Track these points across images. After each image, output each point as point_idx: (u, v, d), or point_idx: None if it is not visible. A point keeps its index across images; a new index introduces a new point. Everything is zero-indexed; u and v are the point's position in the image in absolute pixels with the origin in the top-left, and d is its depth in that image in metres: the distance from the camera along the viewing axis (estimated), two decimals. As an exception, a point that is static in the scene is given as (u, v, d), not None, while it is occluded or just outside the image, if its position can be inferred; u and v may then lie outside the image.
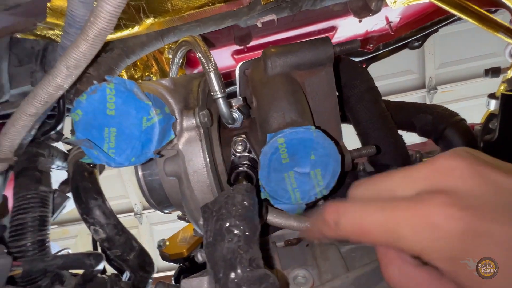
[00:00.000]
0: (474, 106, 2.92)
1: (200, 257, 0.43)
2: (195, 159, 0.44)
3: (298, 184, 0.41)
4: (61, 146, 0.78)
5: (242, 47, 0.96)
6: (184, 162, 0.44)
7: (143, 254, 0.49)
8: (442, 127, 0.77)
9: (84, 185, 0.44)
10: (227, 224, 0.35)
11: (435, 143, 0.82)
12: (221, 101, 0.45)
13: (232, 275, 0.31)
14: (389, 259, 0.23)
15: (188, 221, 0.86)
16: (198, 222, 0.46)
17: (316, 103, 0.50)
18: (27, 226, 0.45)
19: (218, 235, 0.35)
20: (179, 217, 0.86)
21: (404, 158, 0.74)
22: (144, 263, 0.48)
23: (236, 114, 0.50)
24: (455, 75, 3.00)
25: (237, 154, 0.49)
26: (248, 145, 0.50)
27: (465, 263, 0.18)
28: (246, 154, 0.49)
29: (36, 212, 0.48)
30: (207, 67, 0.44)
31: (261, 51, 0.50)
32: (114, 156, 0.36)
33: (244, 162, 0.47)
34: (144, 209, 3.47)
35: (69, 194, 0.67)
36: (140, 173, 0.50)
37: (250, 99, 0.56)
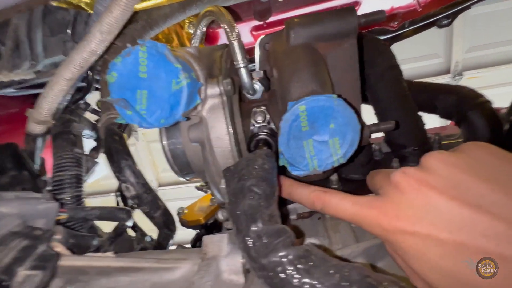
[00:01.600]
0: (502, 94, 2.75)
1: (221, 216, 0.46)
2: (218, 126, 0.46)
3: (316, 152, 0.43)
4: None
5: (262, 22, 0.95)
6: (208, 129, 0.46)
7: (167, 214, 0.53)
8: (466, 109, 0.75)
9: (116, 147, 0.48)
10: (248, 184, 0.38)
11: (457, 125, 0.79)
12: (243, 70, 0.46)
13: (253, 227, 0.34)
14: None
15: (205, 192, 0.90)
16: (219, 185, 0.49)
17: (337, 76, 0.50)
18: (66, 182, 0.50)
19: (240, 193, 0.38)
20: (198, 188, 0.91)
21: (423, 139, 0.73)
22: (168, 221, 0.53)
23: (257, 85, 0.51)
24: (485, 60, 2.81)
25: (257, 125, 0.51)
26: (268, 116, 0.51)
27: (465, 263, 0.24)
28: (266, 124, 0.51)
29: (73, 171, 0.52)
30: (230, 36, 0.45)
31: (281, 27, 0.50)
32: (145, 117, 0.39)
33: (264, 131, 0.49)
34: (160, 186, 3.62)
35: (97, 160, 0.72)
36: (165, 142, 0.53)
37: (270, 72, 0.56)
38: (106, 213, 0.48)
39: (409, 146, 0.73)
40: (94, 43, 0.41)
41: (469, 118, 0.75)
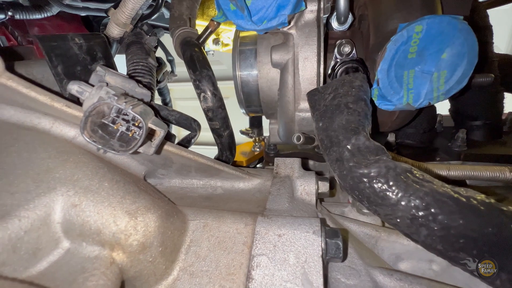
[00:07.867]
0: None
1: (295, 139, 0.45)
2: (309, 45, 0.43)
3: (415, 85, 0.39)
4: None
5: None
6: (298, 47, 0.44)
7: (233, 137, 0.53)
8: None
9: (198, 55, 0.46)
10: (346, 101, 0.36)
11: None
12: (344, -9, 0.42)
13: (354, 139, 0.32)
14: None
15: (251, 137, 0.90)
16: (292, 114, 0.47)
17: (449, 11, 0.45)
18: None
19: (336, 109, 0.36)
20: (242, 132, 0.90)
21: (496, 115, 0.68)
22: (232, 144, 0.53)
23: (350, 15, 0.47)
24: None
25: (340, 57, 0.48)
26: (354, 49, 0.48)
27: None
28: (351, 58, 0.47)
29: (146, 78, 0.52)
30: None
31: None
32: (247, 15, 0.36)
33: (352, 60, 0.46)
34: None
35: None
36: (238, 72, 0.52)
37: (359, 8, 0.52)
38: (183, 119, 0.48)
39: (480, 119, 0.69)
40: None
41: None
